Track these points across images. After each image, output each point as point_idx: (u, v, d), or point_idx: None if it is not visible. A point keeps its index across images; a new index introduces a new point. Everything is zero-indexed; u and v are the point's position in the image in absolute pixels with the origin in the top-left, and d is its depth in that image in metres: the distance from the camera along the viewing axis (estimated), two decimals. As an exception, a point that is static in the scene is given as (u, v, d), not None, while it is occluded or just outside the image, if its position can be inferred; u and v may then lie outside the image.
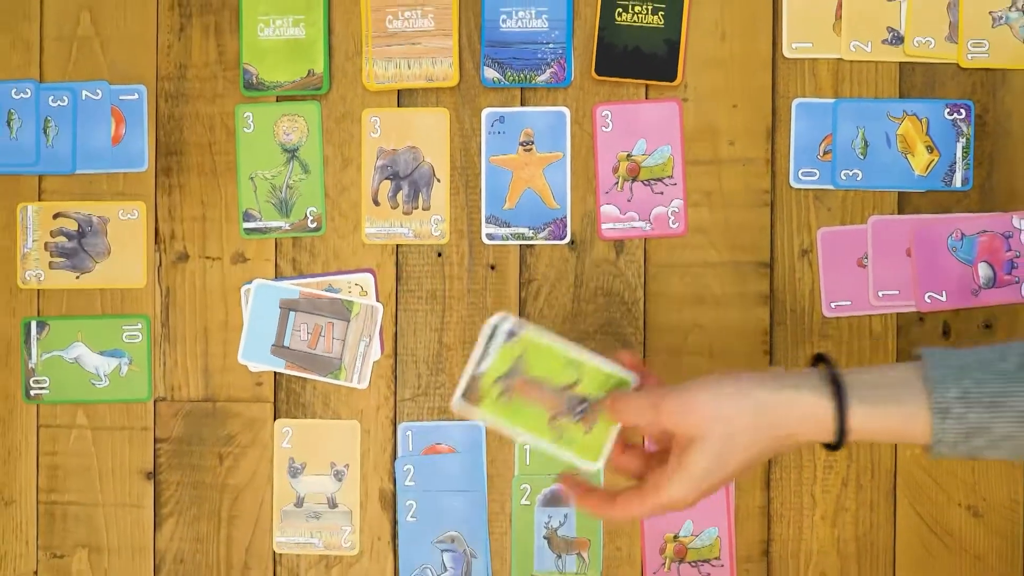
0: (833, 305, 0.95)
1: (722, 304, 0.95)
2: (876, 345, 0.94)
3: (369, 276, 0.97)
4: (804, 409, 0.69)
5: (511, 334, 0.76)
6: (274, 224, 0.97)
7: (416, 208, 0.96)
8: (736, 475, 0.71)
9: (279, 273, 0.97)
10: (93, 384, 0.97)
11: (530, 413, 0.76)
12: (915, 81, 0.95)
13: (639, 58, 0.95)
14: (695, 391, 0.71)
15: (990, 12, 0.94)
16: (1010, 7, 0.94)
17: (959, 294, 0.94)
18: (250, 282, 0.97)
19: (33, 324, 0.97)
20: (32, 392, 0.97)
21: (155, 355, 0.97)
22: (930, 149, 0.95)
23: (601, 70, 0.95)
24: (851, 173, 0.95)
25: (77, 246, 0.98)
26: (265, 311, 0.96)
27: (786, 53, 0.95)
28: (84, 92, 0.98)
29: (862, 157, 0.95)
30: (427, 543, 0.96)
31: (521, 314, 0.95)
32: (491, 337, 0.76)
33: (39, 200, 0.98)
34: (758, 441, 0.70)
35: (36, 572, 0.98)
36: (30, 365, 0.97)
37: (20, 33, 0.98)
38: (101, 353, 0.97)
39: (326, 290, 0.96)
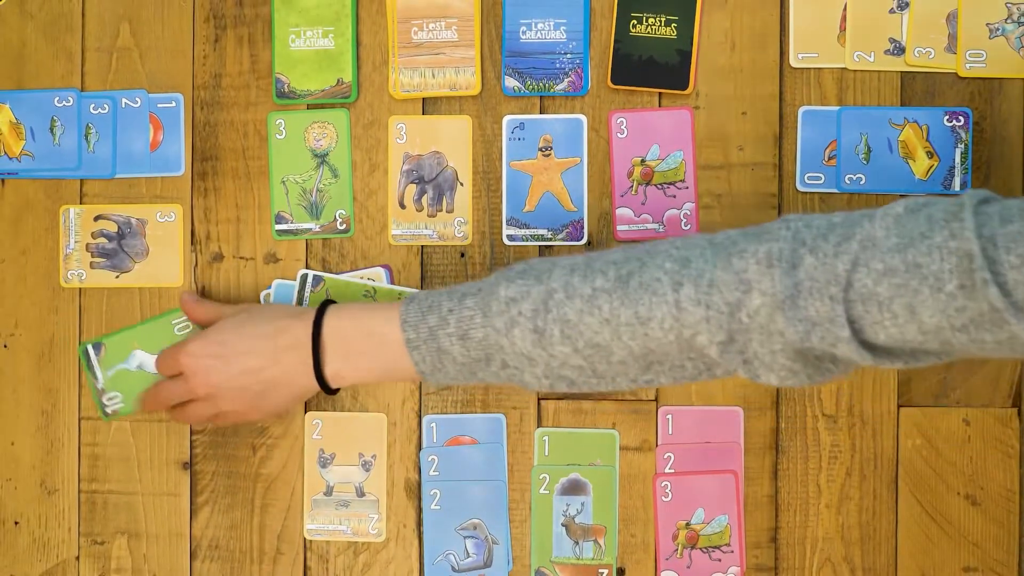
0: (838, 303, 0.97)
1: (732, 302, 0.98)
2: (879, 341, 0.97)
3: (382, 271, 0.99)
4: (305, 309, 0.88)
5: (317, 279, 0.95)
6: (305, 226, 1.00)
7: (440, 211, 0.99)
8: (243, 363, 0.87)
9: (309, 273, 1.00)
10: None
11: None
12: (916, 90, 0.97)
13: (653, 68, 0.97)
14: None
15: (987, 24, 0.96)
16: (1006, 19, 0.96)
17: (958, 293, 0.96)
18: (270, 287, 0.99)
19: (90, 348, 0.99)
20: (109, 409, 0.98)
21: (191, 351, 1.01)
22: (930, 154, 0.96)
23: (616, 79, 0.97)
24: (855, 177, 0.97)
25: (117, 247, 1.01)
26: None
27: (793, 63, 0.97)
28: (124, 100, 1.00)
29: (865, 162, 0.97)
30: (451, 530, 0.99)
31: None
32: (301, 288, 0.95)
33: (80, 203, 1.01)
34: (263, 330, 0.87)
35: (78, 557, 1.01)
36: (99, 386, 0.99)
37: (63, 44, 1.01)
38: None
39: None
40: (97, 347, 0.99)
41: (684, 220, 0.98)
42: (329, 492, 0.99)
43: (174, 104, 1.01)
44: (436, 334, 0.82)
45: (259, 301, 1.00)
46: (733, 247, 0.74)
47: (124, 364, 0.98)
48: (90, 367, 0.99)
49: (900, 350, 0.73)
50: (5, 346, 1.02)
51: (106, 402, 0.98)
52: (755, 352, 0.74)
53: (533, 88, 0.98)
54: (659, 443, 0.98)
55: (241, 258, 1.00)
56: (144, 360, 0.98)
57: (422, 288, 0.99)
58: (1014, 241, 0.66)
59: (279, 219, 1.00)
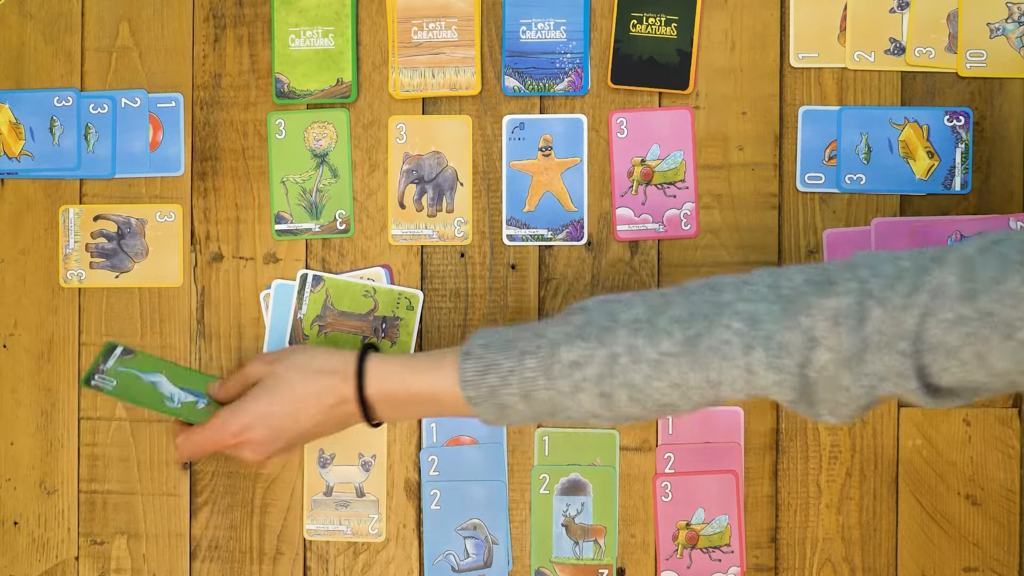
0: (838, 303, 0.97)
1: (732, 302, 0.98)
2: (879, 341, 0.97)
3: (382, 271, 0.99)
4: (341, 358, 0.85)
5: (317, 279, 0.94)
6: (305, 226, 1.00)
7: (440, 211, 0.99)
8: (292, 427, 0.85)
9: (309, 273, 1.00)
10: (166, 404, 0.91)
11: (346, 340, 0.96)
12: (916, 89, 0.97)
13: (653, 68, 0.97)
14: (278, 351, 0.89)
15: (988, 24, 0.96)
16: (1007, 19, 0.96)
17: (958, 293, 0.96)
18: (270, 287, 0.99)
19: (120, 349, 0.91)
20: (94, 382, 0.89)
21: (191, 351, 1.00)
22: (930, 154, 0.96)
23: (616, 79, 0.97)
24: (855, 177, 0.97)
25: (116, 247, 1.01)
26: (287, 311, 0.99)
27: (793, 63, 0.97)
28: (123, 100, 1.00)
29: (865, 162, 0.97)
30: (450, 530, 0.99)
31: (540, 312, 0.99)
32: (301, 288, 0.94)
33: (80, 203, 1.01)
34: (306, 390, 0.84)
35: (77, 558, 1.01)
36: (102, 366, 0.90)
37: (62, 44, 1.01)
38: (181, 388, 0.92)
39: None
40: (128, 352, 0.91)
41: (684, 220, 0.98)
42: (329, 492, 0.99)
43: (174, 104, 1.01)
44: (497, 392, 0.80)
45: (265, 304, 1.00)
46: (800, 301, 0.73)
47: (141, 374, 0.91)
48: (107, 355, 0.91)
49: (963, 390, 0.72)
50: (4, 346, 1.02)
51: (98, 378, 0.89)
52: (822, 400, 0.73)
53: (533, 88, 0.98)
54: (659, 443, 0.98)
55: (241, 258, 1.00)
56: (161, 382, 0.92)
57: (421, 288, 0.99)
58: None
59: (279, 219, 1.00)
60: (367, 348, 0.87)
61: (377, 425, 0.88)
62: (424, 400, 0.83)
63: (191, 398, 0.92)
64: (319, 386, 0.84)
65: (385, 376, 0.84)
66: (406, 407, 0.85)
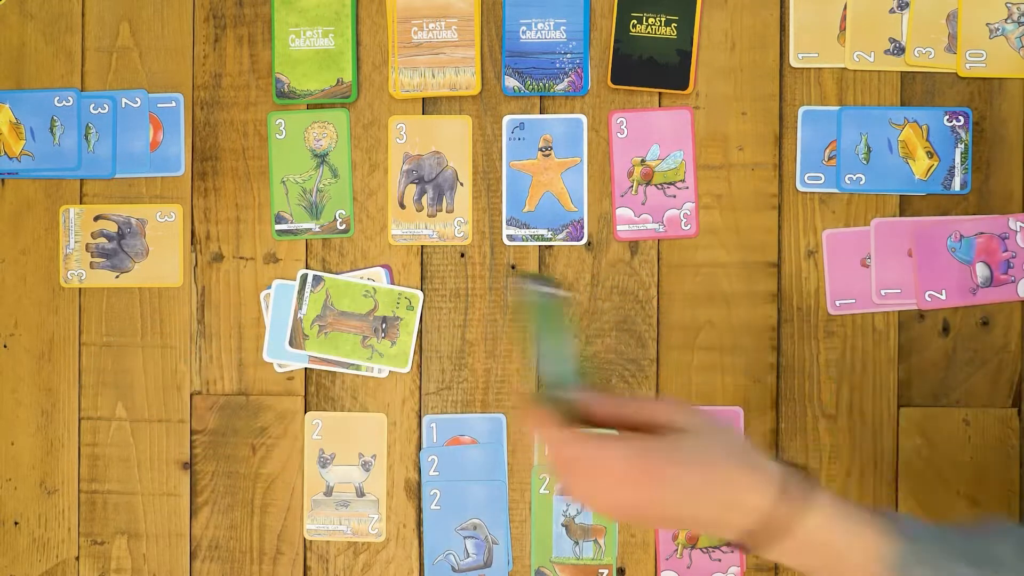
0: (838, 303, 0.97)
1: (732, 302, 0.98)
2: (878, 341, 0.97)
3: (382, 271, 1.00)
4: (775, 464, 0.67)
5: (317, 280, 0.94)
6: (305, 226, 1.00)
7: (440, 211, 1.00)
8: (666, 508, 0.66)
9: (309, 273, 1.00)
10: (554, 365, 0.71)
11: (345, 340, 0.96)
12: (916, 89, 0.97)
13: (653, 68, 0.98)
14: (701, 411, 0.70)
15: (987, 24, 0.96)
16: (1006, 19, 0.96)
17: (958, 292, 0.96)
18: (270, 287, 1.00)
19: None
20: (535, 285, 0.70)
21: (191, 351, 1.01)
22: (930, 154, 0.97)
23: (616, 79, 0.98)
24: (855, 177, 0.97)
25: (117, 247, 1.01)
26: (287, 311, 0.99)
27: (793, 63, 0.97)
28: (124, 100, 1.01)
29: (865, 162, 0.97)
30: (450, 530, 0.99)
31: (540, 312, 0.99)
32: (301, 288, 0.94)
33: (80, 203, 1.01)
34: (727, 472, 0.66)
35: (78, 558, 1.01)
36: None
37: (63, 44, 1.01)
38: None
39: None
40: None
41: (684, 220, 0.98)
42: (329, 492, 1.00)
43: (174, 104, 1.01)
44: None
45: (265, 304, 1.00)
46: None
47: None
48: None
49: None
50: (5, 346, 1.02)
51: (548, 290, 0.70)
52: None
53: (533, 88, 0.98)
54: (659, 443, 0.98)
55: (241, 258, 1.00)
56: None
57: (421, 289, 0.99)
58: None
59: (279, 219, 1.00)
60: (801, 469, 0.69)
61: (729, 546, 0.72)
62: (826, 554, 0.67)
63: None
64: (736, 477, 0.66)
65: (832, 517, 0.66)
66: (802, 551, 0.67)
